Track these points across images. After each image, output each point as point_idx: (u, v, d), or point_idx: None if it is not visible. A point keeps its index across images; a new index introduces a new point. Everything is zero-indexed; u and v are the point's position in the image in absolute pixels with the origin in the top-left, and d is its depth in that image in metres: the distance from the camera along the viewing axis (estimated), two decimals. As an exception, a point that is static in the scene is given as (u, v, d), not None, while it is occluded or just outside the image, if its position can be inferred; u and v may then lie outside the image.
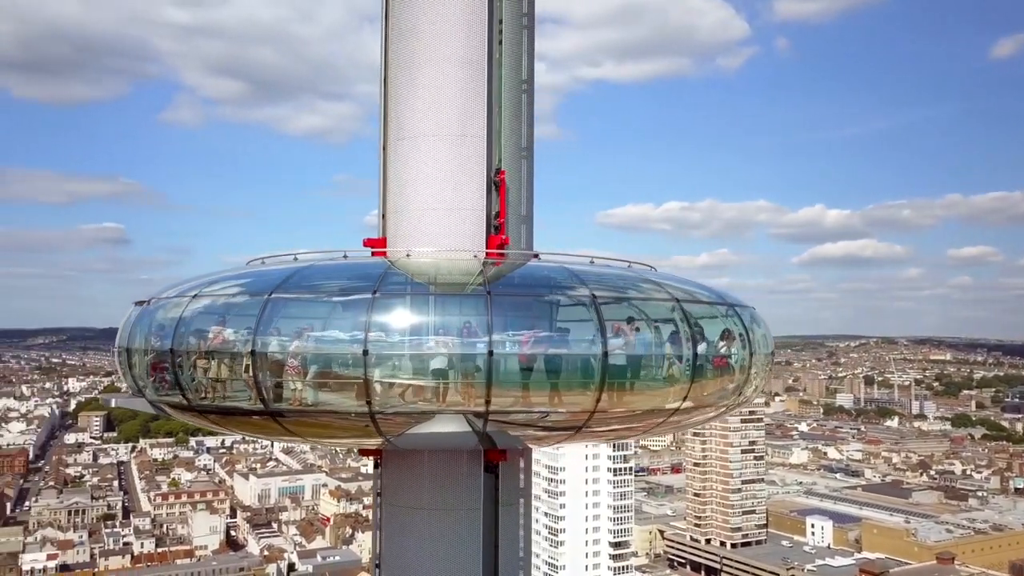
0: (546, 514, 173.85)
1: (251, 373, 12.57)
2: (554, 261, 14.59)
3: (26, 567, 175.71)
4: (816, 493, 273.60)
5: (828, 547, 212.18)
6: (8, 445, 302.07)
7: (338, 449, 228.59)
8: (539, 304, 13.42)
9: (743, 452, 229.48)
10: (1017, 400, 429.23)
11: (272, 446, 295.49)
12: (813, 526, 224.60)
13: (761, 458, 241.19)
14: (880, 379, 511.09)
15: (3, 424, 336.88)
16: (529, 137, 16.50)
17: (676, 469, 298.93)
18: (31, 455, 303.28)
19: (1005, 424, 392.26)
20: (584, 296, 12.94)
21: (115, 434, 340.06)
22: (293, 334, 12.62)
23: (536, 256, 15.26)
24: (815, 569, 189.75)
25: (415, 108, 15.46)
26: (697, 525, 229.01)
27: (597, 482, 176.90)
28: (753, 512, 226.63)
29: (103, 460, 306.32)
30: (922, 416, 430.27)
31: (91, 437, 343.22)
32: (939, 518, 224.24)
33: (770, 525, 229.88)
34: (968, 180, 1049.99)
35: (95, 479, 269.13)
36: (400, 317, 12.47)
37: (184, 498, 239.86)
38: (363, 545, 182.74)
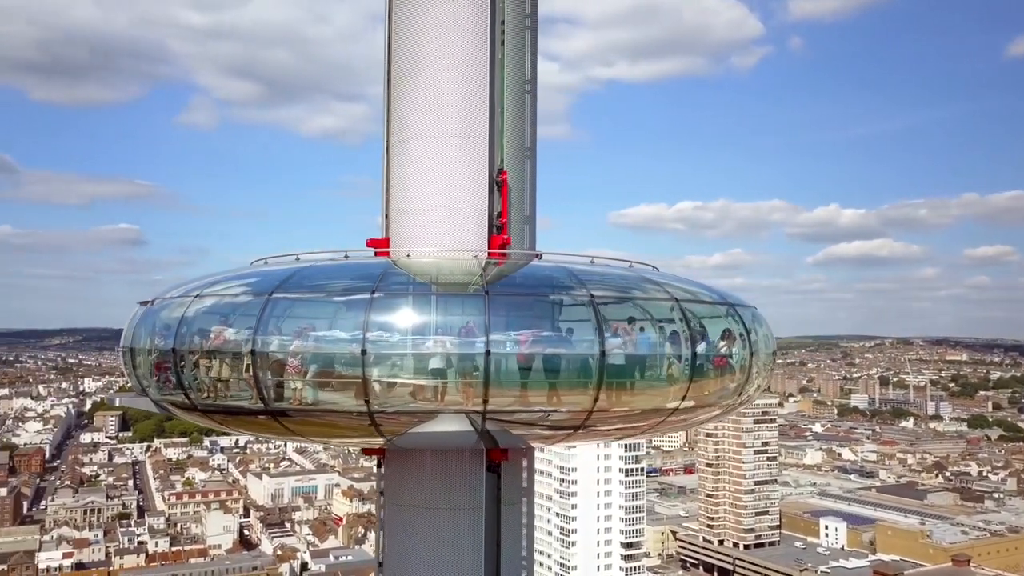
0: (558, 514, 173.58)
1: (252, 372, 12.67)
2: (555, 261, 14.61)
3: (42, 565, 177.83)
4: (830, 494, 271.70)
5: (842, 549, 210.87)
6: (25, 444, 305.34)
7: (350, 449, 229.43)
8: (538, 304, 13.46)
9: (756, 453, 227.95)
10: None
11: (285, 446, 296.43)
12: (827, 527, 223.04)
13: (774, 459, 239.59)
14: (895, 380, 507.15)
15: (20, 424, 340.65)
16: (532, 137, 16.51)
17: (689, 470, 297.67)
18: (47, 454, 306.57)
19: (1022, 425, 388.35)
20: (582, 296, 12.99)
21: (130, 434, 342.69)
22: (294, 333, 12.71)
23: (538, 256, 15.30)
24: (829, 571, 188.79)
25: (418, 109, 15.52)
26: (710, 526, 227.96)
27: (609, 483, 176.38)
28: (766, 513, 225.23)
29: (118, 460, 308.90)
30: (938, 417, 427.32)
31: (106, 437, 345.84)
32: (955, 520, 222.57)
33: (783, 526, 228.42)
34: (985, 179, 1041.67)
35: (110, 478, 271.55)
36: (399, 317, 12.53)
37: (198, 497, 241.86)
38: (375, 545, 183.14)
